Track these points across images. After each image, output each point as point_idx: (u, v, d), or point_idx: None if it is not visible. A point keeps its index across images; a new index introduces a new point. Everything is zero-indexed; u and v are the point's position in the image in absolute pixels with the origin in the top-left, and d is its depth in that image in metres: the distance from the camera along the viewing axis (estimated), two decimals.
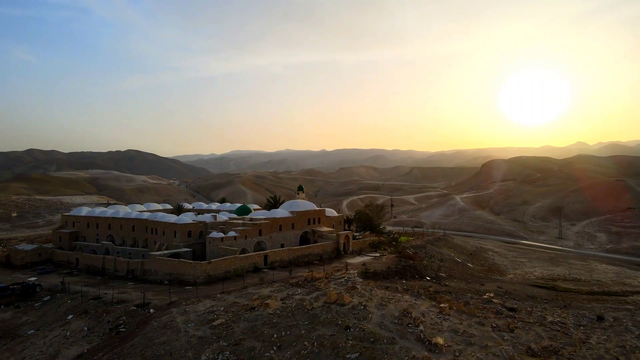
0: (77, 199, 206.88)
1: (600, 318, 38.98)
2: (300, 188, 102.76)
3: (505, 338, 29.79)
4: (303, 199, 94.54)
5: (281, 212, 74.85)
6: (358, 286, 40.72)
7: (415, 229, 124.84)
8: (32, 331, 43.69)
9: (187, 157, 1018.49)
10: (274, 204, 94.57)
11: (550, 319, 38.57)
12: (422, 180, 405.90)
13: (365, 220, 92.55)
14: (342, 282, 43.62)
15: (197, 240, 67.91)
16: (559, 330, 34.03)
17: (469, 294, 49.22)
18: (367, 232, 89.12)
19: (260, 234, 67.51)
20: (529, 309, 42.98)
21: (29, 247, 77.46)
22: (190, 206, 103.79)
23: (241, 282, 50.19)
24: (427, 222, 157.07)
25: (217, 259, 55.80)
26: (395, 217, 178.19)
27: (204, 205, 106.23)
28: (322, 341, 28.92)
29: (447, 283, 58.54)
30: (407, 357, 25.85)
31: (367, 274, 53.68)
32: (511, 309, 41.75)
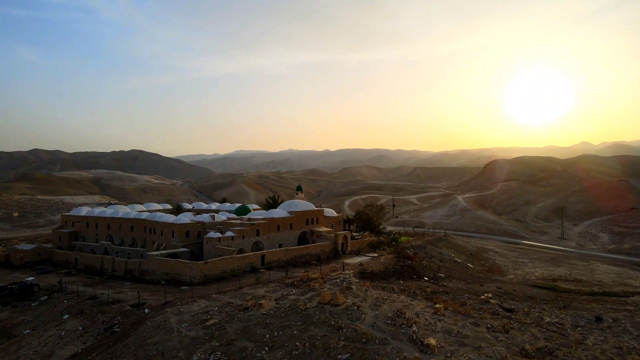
0: (79, 199, 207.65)
1: (598, 319, 38.51)
2: (299, 188, 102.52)
3: (500, 339, 29.47)
4: (302, 199, 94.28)
5: (279, 212, 74.64)
6: (353, 286, 40.46)
7: (417, 229, 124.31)
8: (27, 331, 43.71)
9: (190, 157, 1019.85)
10: (272, 204, 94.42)
11: (547, 319, 38.16)
12: (426, 180, 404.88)
13: (365, 221, 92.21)
14: (338, 282, 43.37)
15: (195, 241, 67.82)
16: (555, 331, 33.65)
17: (467, 295, 48.82)
18: (367, 233, 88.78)
19: (257, 234, 67.33)
20: (526, 309, 42.54)
21: (29, 246, 77.63)
22: (190, 206, 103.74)
23: (237, 282, 50.04)
24: (428, 222, 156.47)
25: (213, 259, 55.67)
26: (396, 217, 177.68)
27: (204, 205, 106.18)
28: (314, 342, 28.72)
29: (445, 283, 58.16)
30: (398, 358, 25.60)
31: (364, 274, 53.38)
32: (508, 310, 41.35)
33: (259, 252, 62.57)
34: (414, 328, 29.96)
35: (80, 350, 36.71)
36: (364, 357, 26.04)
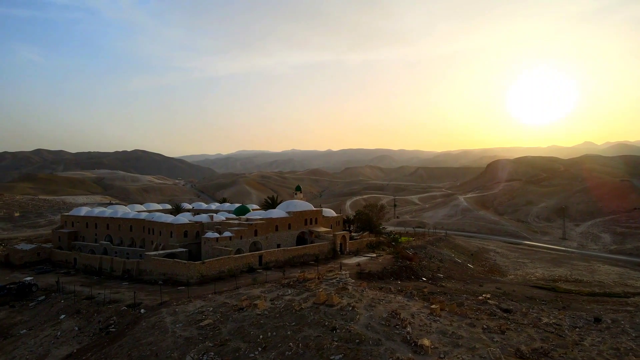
0: (80, 199, 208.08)
1: (597, 320, 38.16)
2: (297, 188, 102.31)
3: (495, 340, 29.16)
4: (301, 199, 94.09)
5: (277, 212, 74.44)
6: (349, 287, 40.24)
7: (418, 229, 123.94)
8: (24, 331, 43.71)
9: (193, 157, 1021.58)
10: (272, 204, 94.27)
11: (545, 320, 37.85)
12: (428, 180, 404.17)
13: (365, 221, 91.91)
14: (334, 282, 43.12)
15: (194, 241, 67.71)
16: (552, 332, 33.34)
17: (465, 295, 48.55)
18: (366, 233, 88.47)
19: (255, 234, 67.16)
20: (524, 310, 42.24)
21: (28, 246, 77.77)
22: (189, 206, 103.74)
23: (234, 282, 49.89)
24: (430, 223, 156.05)
25: (210, 259, 55.55)
26: (398, 217, 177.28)
27: (204, 205, 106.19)
28: (308, 342, 28.52)
29: (443, 284, 57.85)
30: (391, 359, 25.36)
31: (361, 275, 53.14)
32: (506, 310, 41.04)
33: (257, 252, 62.42)
34: (409, 329, 29.70)
35: (75, 351, 36.68)
36: (357, 357, 25.82)
